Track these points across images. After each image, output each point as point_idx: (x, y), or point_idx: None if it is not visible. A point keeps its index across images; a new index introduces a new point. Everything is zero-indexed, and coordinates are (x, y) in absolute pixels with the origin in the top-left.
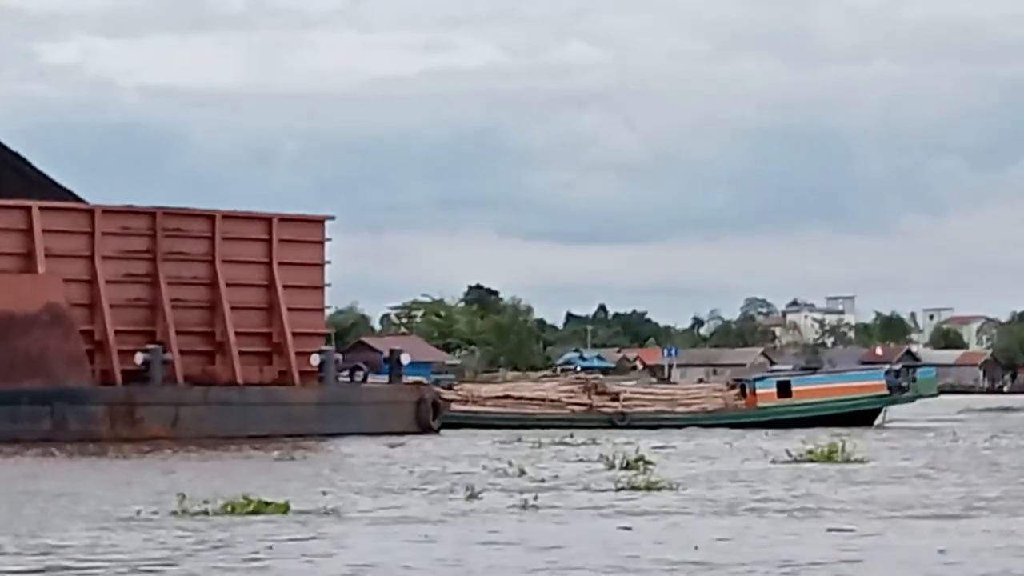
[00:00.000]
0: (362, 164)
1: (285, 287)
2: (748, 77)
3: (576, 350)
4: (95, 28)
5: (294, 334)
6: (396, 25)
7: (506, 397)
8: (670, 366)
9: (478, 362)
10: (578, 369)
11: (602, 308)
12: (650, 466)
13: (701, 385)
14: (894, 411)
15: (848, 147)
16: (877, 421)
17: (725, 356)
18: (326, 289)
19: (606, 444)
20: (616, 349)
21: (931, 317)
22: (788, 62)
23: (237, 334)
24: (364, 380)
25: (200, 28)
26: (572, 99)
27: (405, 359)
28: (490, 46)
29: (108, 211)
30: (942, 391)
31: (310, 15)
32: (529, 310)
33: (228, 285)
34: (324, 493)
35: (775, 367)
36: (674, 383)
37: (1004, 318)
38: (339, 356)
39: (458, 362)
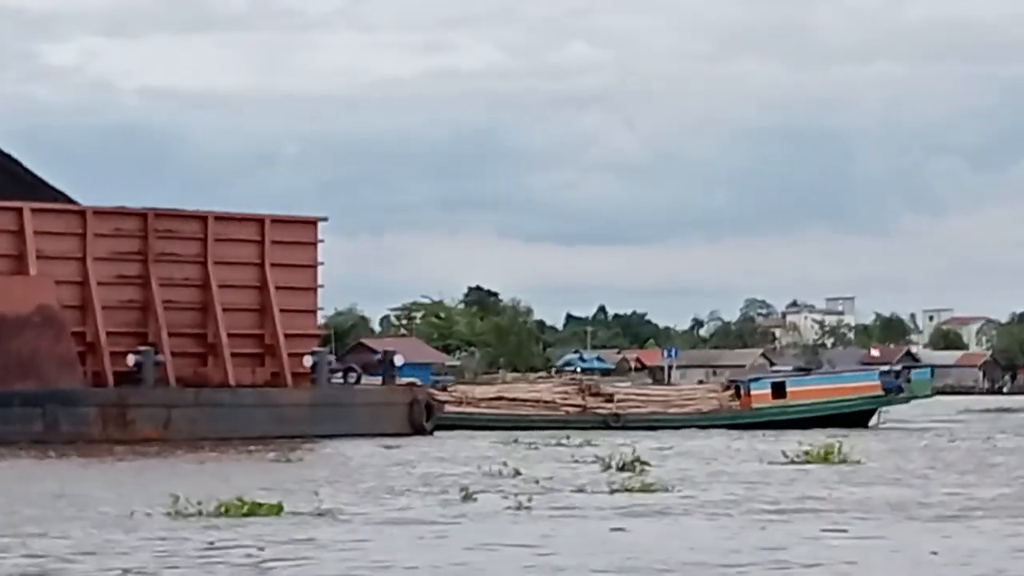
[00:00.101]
0: (362, 165)
1: (278, 288)
2: (748, 77)
3: (576, 351)
4: (95, 29)
5: (287, 336)
6: (396, 26)
7: (500, 398)
8: (670, 367)
9: (478, 363)
10: (578, 370)
11: (602, 309)
12: (646, 467)
13: (695, 386)
14: (892, 412)
15: (848, 147)
16: (872, 422)
17: (725, 357)
18: (319, 291)
19: (602, 446)
20: (616, 350)
21: (931, 318)
22: (788, 62)
23: (229, 336)
24: (357, 381)
25: (200, 29)
26: (572, 99)
27: (399, 360)
28: (490, 47)
29: (100, 212)
30: (942, 392)
31: (310, 16)
32: (529, 311)
33: (220, 287)
34: (317, 494)
35: (775, 368)
36: (672, 384)
37: (1004, 319)
38: (332, 358)
39: (458, 363)
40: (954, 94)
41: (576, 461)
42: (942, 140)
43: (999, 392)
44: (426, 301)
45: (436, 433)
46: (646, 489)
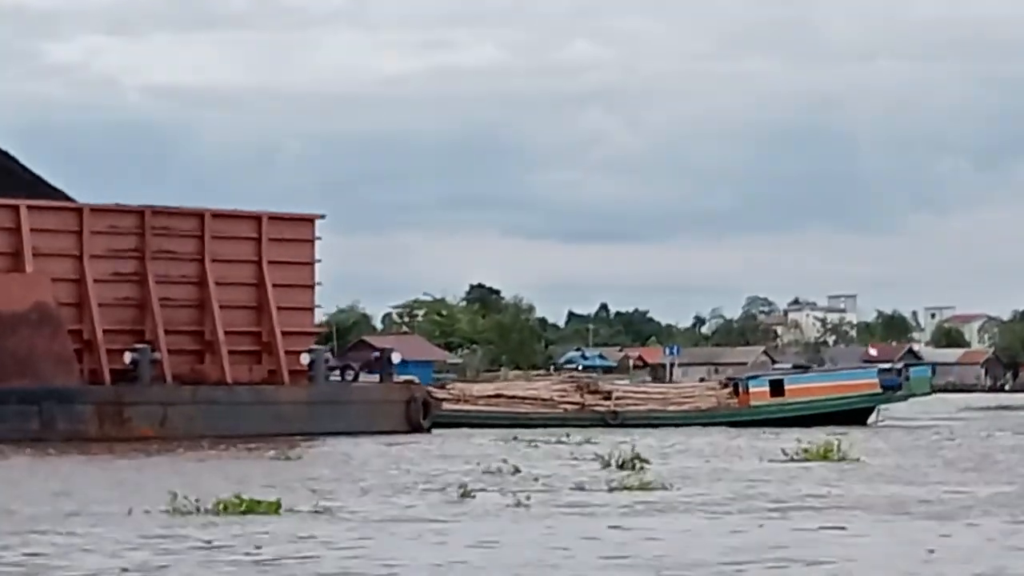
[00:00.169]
0: (365, 163)
1: (275, 286)
2: (751, 76)
3: (578, 349)
4: (99, 27)
5: (284, 333)
6: (400, 24)
7: (498, 396)
8: (672, 365)
9: (480, 361)
10: (579, 368)
11: (604, 307)
12: (645, 465)
13: (694, 384)
14: (892, 410)
15: (851, 145)
16: (870, 420)
17: (727, 355)
18: (317, 288)
19: (602, 444)
20: (618, 348)
21: (933, 316)
22: (791, 61)
23: (226, 333)
24: (355, 379)
25: (204, 27)
26: (575, 98)
27: (396, 358)
28: (493, 45)
29: (96, 210)
30: (944, 390)
31: (314, 14)
32: (531, 309)
33: (217, 284)
34: (315, 492)
35: (777, 366)
36: (674, 382)
37: (1006, 316)
38: (329, 355)
39: (460, 361)
40: (957, 93)
41: (576, 459)
42: (945, 139)
43: (1001, 390)
44: (428, 299)
45: (434, 431)
46: (645, 487)
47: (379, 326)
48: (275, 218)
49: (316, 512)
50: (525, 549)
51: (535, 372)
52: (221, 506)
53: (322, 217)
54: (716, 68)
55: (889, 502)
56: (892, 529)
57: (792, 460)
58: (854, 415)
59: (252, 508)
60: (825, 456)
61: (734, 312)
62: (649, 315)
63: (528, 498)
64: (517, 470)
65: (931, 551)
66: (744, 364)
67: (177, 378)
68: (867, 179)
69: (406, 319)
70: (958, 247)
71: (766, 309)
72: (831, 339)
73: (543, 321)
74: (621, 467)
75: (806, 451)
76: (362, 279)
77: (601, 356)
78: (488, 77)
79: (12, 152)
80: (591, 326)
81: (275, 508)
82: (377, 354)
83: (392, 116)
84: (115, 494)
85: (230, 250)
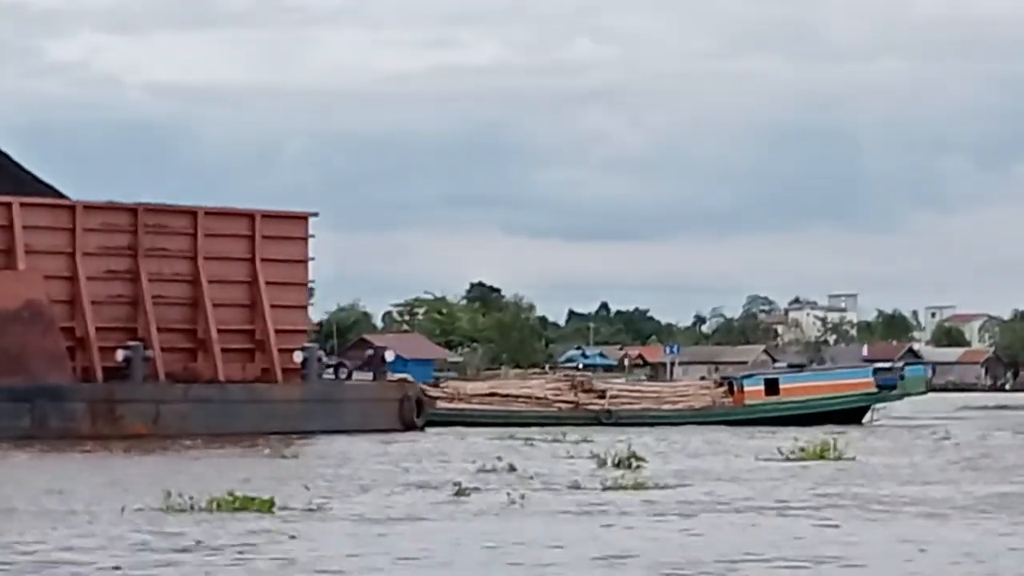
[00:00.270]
0: (367, 161)
1: (268, 284)
2: (754, 75)
3: (578, 348)
4: (101, 25)
5: (277, 331)
6: (403, 22)
7: (492, 395)
8: (672, 364)
9: (480, 359)
10: (580, 366)
11: (604, 306)
12: (642, 464)
13: (689, 382)
14: (891, 409)
15: (853, 144)
16: (865, 419)
17: (727, 354)
18: (315, 286)
19: (598, 442)
20: (618, 347)
21: (933, 315)
22: (794, 59)
23: (219, 331)
24: (348, 377)
25: (206, 25)
26: (577, 96)
27: (389, 356)
28: (497, 43)
29: (89, 207)
30: (944, 389)
31: (317, 12)
32: (531, 307)
33: (210, 282)
34: (308, 489)
35: (776, 365)
36: (675, 380)
37: (1007, 316)
38: (322, 353)
39: (460, 359)
40: (960, 92)
41: (571, 457)
42: (946, 138)
43: (1001, 389)
44: (428, 297)
45: (428, 429)
46: (639, 486)
47: (379, 324)
48: (268, 216)
49: (310, 510)
50: (518, 548)
51: (531, 371)
52: (215, 504)
53: (315, 215)
54: (718, 67)
55: (883, 501)
56: (886, 528)
57: (788, 459)
58: (849, 414)
59: (246, 506)
60: (822, 455)
61: (735, 311)
62: (650, 314)
63: (523, 497)
64: (512, 468)
65: (923, 550)
66: (745, 363)
67: (170, 376)
68: (868, 178)
69: (406, 317)
70: (959, 246)
71: (767, 308)
72: (832, 338)
73: (543, 320)
74: (617, 466)
75: (802, 450)
76: (362, 277)
77: (602, 355)
78: (489, 76)
79: (9, 150)
80: (592, 325)
81: (269, 506)
82: (371, 352)
83: (393, 114)
84: (108, 492)
85: (223, 248)
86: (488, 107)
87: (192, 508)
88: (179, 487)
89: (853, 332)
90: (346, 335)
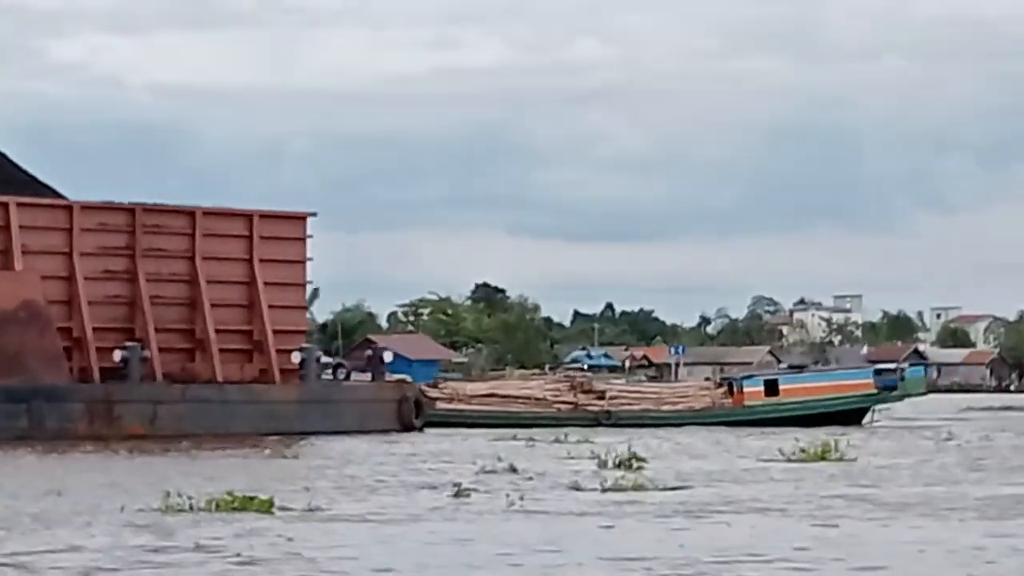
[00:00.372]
0: (370, 162)
1: (266, 284)
2: (756, 75)
3: (583, 348)
4: (103, 25)
5: (275, 331)
6: (405, 23)
7: (491, 395)
8: (677, 364)
9: (485, 360)
10: (585, 367)
11: (609, 306)
12: (643, 465)
13: (688, 383)
14: (893, 410)
15: (857, 145)
16: (865, 420)
17: (732, 355)
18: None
19: (599, 443)
20: (623, 347)
21: (938, 316)
22: (797, 59)
23: (217, 331)
24: (347, 378)
25: (208, 25)
26: (580, 96)
27: (387, 357)
28: (499, 44)
29: (87, 207)
30: (949, 390)
31: (319, 12)
32: (536, 308)
33: (208, 282)
34: (308, 490)
35: (781, 366)
36: (679, 382)
37: (1012, 317)
38: (320, 353)
39: (465, 360)
40: (963, 92)
41: (572, 458)
42: (951, 138)
43: (1006, 390)
44: (433, 298)
45: (427, 430)
46: (638, 487)
47: (384, 325)
48: (266, 216)
49: (309, 511)
50: (518, 549)
51: (530, 371)
52: (214, 504)
53: (313, 215)
54: (721, 67)
55: (885, 502)
56: (887, 529)
57: (789, 460)
58: (849, 415)
59: (245, 506)
60: (823, 456)
61: (739, 312)
62: (654, 315)
63: (522, 497)
64: (513, 469)
65: (921, 551)
66: (749, 364)
67: (167, 376)
68: (871, 179)
69: (411, 318)
70: (964, 247)
71: (771, 309)
72: (836, 339)
73: (548, 320)
74: (618, 467)
75: (803, 451)
76: (367, 278)
77: (606, 355)
78: (494, 76)
79: (11, 150)
80: (596, 325)
81: (268, 506)
82: (370, 353)
83: (397, 115)
84: (107, 492)
85: (221, 248)
86: (490, 108)
87: (191, 508)
88: (179, 487)
89: (858, 333)
90: (351, 336)
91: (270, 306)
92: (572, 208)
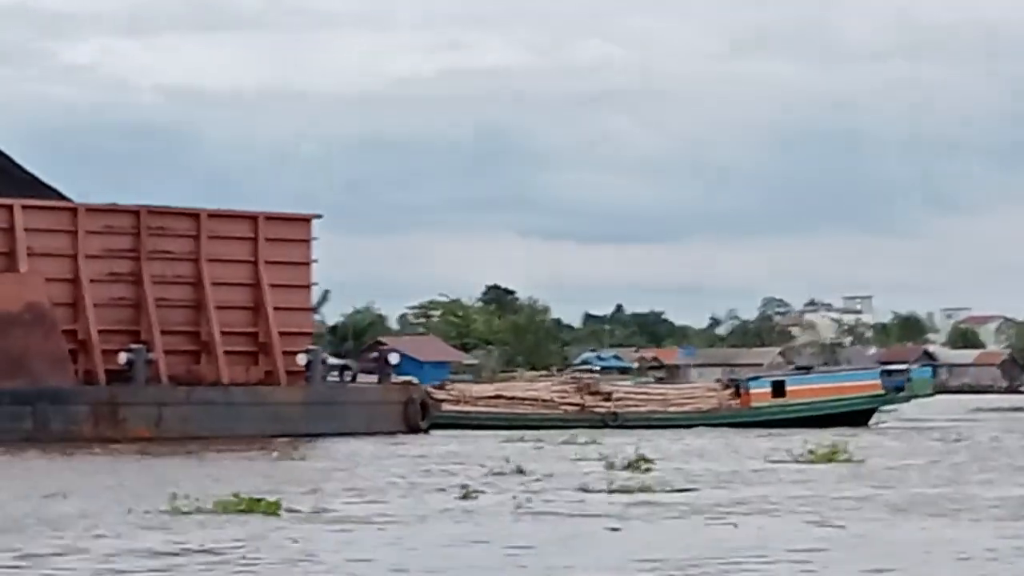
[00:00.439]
0: (380, 164)
1: (271, 286)
2: (766, 77)
3: (593, 350)
4: (112, 28)
5: (281, 334)
6: (413, 25)
7: (498, 397)
8: (687, 366)
9: (495, 362)
10: (596, 369)
11: (619, 308)
12: (650, 465)
13: (695, 385)
14: (901, 411)
15: (867, 147)
16: (872, 421)
17: (742, 356)
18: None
19: (607, 445)
20: (634, 349)
21: (949, 317)
22: (806, 62)
23: (222, 333)
24: (352, 380)
25: (217, 28)
26: (590, 98)
27: (393, 359)
28: (507, 46)
29: (91, 209)
30: (960, 391)
31: (328, 15)
32: (546, 310)
33: (213, 284)
34: (315, 492)
35: (793, 366)
36: (689, 383)
37: (1022, 318)
38: (325, 355)
39: (475, 362)
40: (973, 94)
41: (579, 459)
42: (960, 140)
43: (1017, 391)
44: (444, 299)
45: (433, 432)
46: (646, 489)
47: (395, 327)
48: (271, 218)
49: (316, 512)
50: (525, 551)
51: (537, 373)
52: (220, 506)
53: (319, 217)
54: (731, 69)
55: (891, 503)
56: (893, 529)
57: (797, 461)
58: (856, 416)
59: (252, 508)
60: (831, 458)
61: (750, 313)
62: (665, 316)
63: (529, 500)
64: (521, 471)
65: (927, 552)
66: (760, 365)
67: (173, 379)
68: (883, 180)
69: (422, 320)
70: (974, 248)
71: (782, 310)
72: (847, 340)
73: (558, 322)
74: (626, 468)
75: (811, 452)
76: (377, 280)
77: (616, 357)
78: (504, 78)
79: (21, 152)
80: (607, 327)
81: (275, 508)
82: (376, 355)
83: (406, 117)
84: (113, 494)
85: (226, 250)
86: (501, 109)
87: (199, 510)
88: (187, 489)
89: (869, 334)
90: (361, 338)
91: (275, 308)
92: (582, 210)
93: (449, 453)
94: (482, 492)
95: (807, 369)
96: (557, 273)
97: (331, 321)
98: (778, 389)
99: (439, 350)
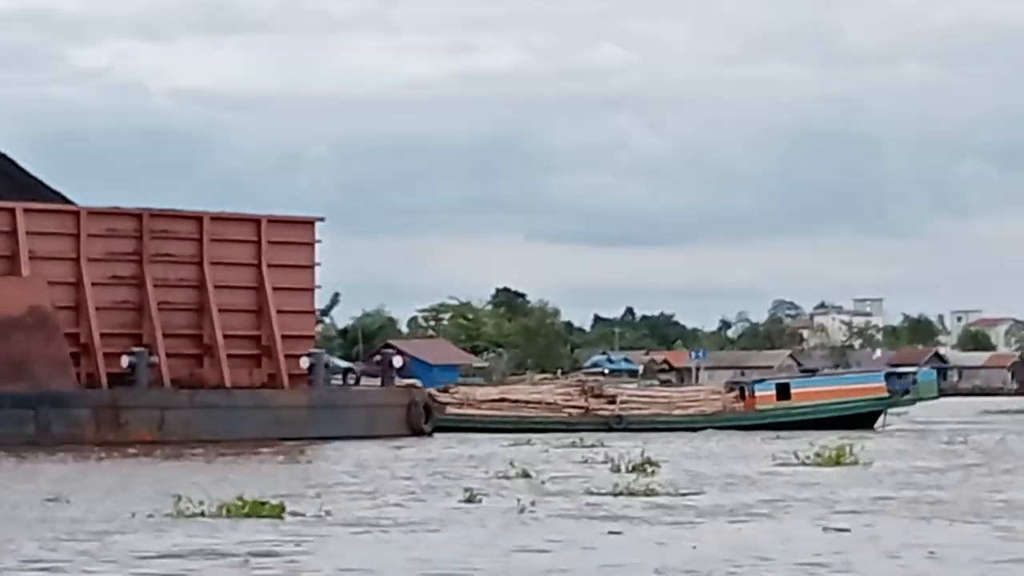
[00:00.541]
0: (389, 167)
1: (275, 289)
2: (775, 79)
3: (603, 353)
4: (126, 31)
5: (284, 337)
6: (423, 28)
7: (502, 400)
8: (698, 368)
9: (506, 365)
10: (605, 372)
11: (629, 311)
12: (655, 468)
13: (699, 387)
14: (910, 413)
15: (876, 149)
16: (877, 424)
17: (753, 359)
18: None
19: (611, 447)
20: (644, 351)
21: (959, 319)
22: (816, 64)
23: (225, 337)
24: (356, 383)
25: (229, 31)
26: (599, 101)
27: (397, 361)
28: (517, 48)
29: (94, 213)
30: (971, 393)
31: (338, 18)
32: (556, 313)
33: (216, 287)
34: (319, 495)
35: (803, 369)
36: (687, 386)
37: None
38: (328, 358)
39: (486, 365)
40: (982, 96)
41: (585, 463)
42: (970, 142)
43: None
44: (454, 302)
45: (436, 435)
46: (651, 492)
47: (405, 330)
48: (274, 221)
49: (319, 516)
50: (528, 555)
51: (541, 376)
52: (225, 509)
53: (321, 219)
54: (740, 72)
55: (896, 505)
56: (895, 530)
57: (804, 464)
58: (861, 419)
59: (256, 511)
60: (837, 460)
61: (760, 316)
62: (675, 319)
63: (533, 503)
64: (526, 474)
65: (931, 552)
66: (770, 368)
67: (175, 382)
68: (893, 183)
69: (432, 323)
70: (984, 250)
71: (792, 313)
72: (857, 343)
73: (569, 325)
74: (631, 471)
75: (818, 455)
76: (387, 283)
77: (627, 360)
78: (512, 81)
79: (34, 156)
80: (617, 330)
81: (279, 511)
82: (379, 358)
83: (416, 120)
84: (117, 498)
85: (229, 253)
86: (510, 112)
87: (203, 514)
88: (188, 493)
89: (879, 336)
90: (371, 341)
91: (278, 311)
92: (592, 213)
93: (453, 456)
94: (486, 495)
95: (812, 372)
96: (567, 276)
97: (341, 324)
98: (783, 392)
99: (449, 353)
